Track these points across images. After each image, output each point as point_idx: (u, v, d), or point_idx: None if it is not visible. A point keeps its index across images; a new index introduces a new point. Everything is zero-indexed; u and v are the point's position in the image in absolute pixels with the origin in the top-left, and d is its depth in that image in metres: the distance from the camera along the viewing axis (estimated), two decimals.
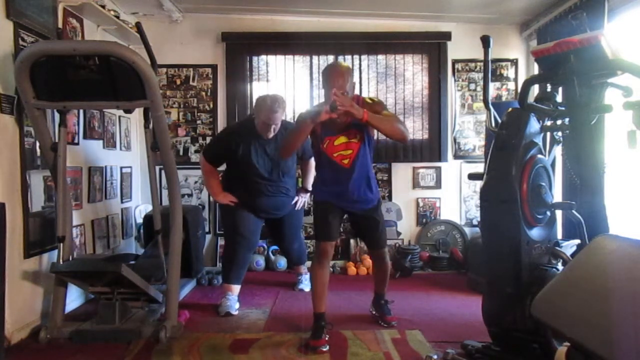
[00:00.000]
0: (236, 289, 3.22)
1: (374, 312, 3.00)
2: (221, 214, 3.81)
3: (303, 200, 3.49)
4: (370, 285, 3.07)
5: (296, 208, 3.47)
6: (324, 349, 2.46)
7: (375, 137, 3.60)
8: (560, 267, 2.10)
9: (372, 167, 2.73)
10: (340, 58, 4.43)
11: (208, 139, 4.40)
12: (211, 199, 4.37)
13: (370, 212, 2.75)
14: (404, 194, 4.49)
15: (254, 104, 4.34)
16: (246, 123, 3.25)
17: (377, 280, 2.99)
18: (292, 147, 2.67)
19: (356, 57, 4.44)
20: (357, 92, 4.36)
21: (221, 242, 4.38)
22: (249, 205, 3.24)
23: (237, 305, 3.15)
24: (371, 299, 3.05)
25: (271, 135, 3.09)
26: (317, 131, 2.59)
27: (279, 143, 3.08)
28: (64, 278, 2.67)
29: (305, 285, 3.62)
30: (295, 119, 2.80)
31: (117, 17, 3.64)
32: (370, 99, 2.67)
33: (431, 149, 4.46)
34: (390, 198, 4.49)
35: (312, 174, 3.07)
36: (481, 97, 3.86)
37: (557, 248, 2.20)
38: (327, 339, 2.55)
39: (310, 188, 2.92)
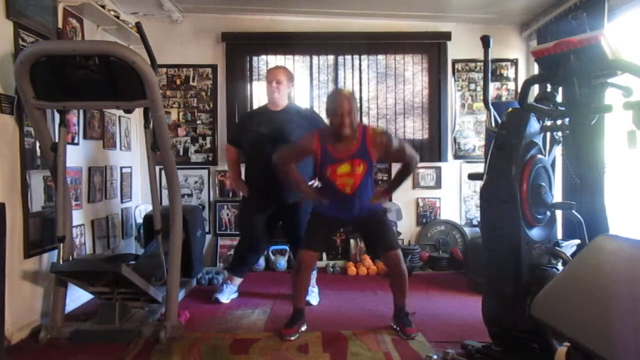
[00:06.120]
0: (237, 280, 3.41)
1: (395, 327, 2.74)
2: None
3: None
4: (371, 285, 3.07)
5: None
6: (292, 338, 2.58)
7: None
8: (560, 267, 2.10)
9: (371, 185, 2.77)
10: (340, 58, 4.44)
11: (208, 139, 4.42)
12: (211, 198, 4.44)
13: (376, 214, 2.76)
14: (404, 194, 4.47)
15: (253, 104, 4.40)
16: (260, 107, 3.50)
17: (395, 290, 2.78)
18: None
19: (356, 57, 4.44)
20: (357, 92, 4.42)
21: (221, 242, 4.40)
22: (262, 192, 3.23)
23: (232, 296, 3.33)
24: (374, 302, 3.03)
25: (276, 97, 3.21)
26: (320, 158, 2.64)
27: (284, 120, 3.19)
28: (64, 278, 2.67)
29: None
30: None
31: (117, 17, 3.64)
32: (379, 131, 2.73)
33: (431, 149, 4.47)
34: (390, 198, 4.47)
35: None
36: (481, 97, 3.86)
37: (557, 248, 2.20)
38: (303, 329, 2.66)
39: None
